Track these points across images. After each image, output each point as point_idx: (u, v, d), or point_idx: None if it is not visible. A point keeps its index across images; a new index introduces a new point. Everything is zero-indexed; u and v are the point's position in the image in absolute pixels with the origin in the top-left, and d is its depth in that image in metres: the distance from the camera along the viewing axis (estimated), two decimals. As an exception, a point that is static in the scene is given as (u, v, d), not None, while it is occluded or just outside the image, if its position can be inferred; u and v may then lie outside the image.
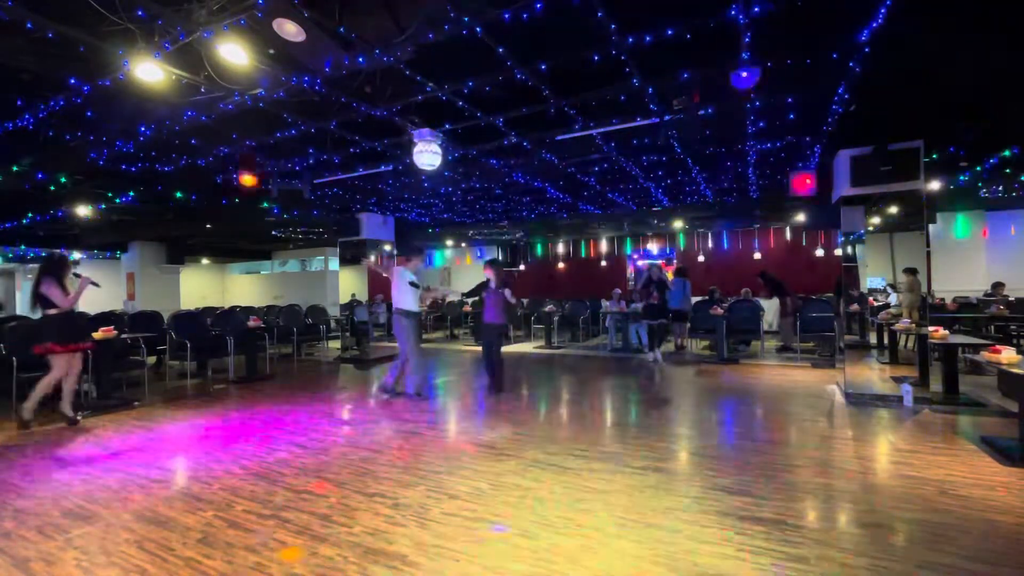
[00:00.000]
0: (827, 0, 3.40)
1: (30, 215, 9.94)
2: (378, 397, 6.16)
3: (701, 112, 5.14)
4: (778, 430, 4.50)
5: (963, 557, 2.37)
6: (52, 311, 5.13)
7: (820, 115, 5.37)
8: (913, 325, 6.51)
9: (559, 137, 6.03)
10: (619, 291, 10.71)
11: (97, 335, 5.70)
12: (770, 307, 10.40)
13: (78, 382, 5.34)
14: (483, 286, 6.21)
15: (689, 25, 3.63)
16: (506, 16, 3.44)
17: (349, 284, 14.92)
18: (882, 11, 3.40)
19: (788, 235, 13.78)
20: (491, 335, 6.13)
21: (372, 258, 9.86)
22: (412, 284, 5.95)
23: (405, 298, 5.91)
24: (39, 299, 5.14)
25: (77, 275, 5.58)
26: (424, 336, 12.60)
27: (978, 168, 7.16)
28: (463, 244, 17.13)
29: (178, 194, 8.44)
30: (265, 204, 9.33)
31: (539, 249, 17.54)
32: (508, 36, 3.78)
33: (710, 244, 14.86)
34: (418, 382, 6.00)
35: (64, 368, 5.11)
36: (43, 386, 5.03)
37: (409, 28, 3.60)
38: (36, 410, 5.07)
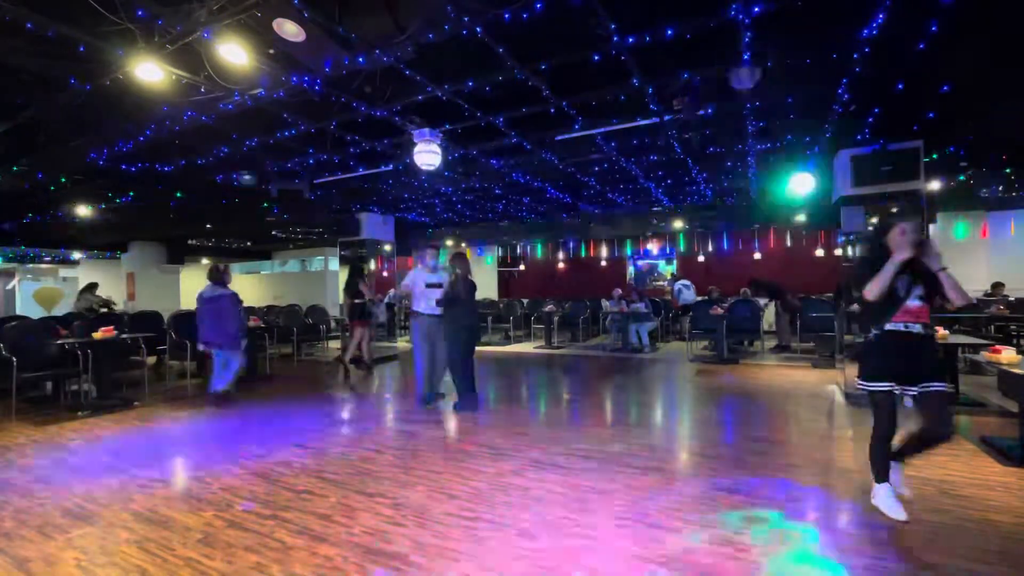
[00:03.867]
0: (827, 0, 3.40)
1: (30, 215, 9.95)
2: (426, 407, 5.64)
3: (701, 112, 5.14)
4: (778, 430, 4.50)
5: (963, 557, 2.37)
6: (358, 300, 7.74)
7: (820, 115, 5.37)
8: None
9: (559, 137, 6.03)
10: (619, 291, 10.72)
11: (97, 335, 5.72)
12: (770, 307, 10.41)
13: (360, 345, 7.94)
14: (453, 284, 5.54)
15: (689, 25, 3.63)
16: (506, 16, 3.44)
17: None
18: (882, 11, 3.40)
19: (788, 235, 13.77)
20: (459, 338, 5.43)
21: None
22: (429, 285, 5.53)
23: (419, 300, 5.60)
24: (355, 292, 7.75)
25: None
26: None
27: (983, 169, 7.17)
28: (463, 244, 17.13)
29: (178, 194, 8.44)
30: (265, 204, 9.33)
31: (539, 249, 17.53)
32: (508, 36, 3.78)
33: (710, 244, 14.86)
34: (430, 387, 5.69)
35: (361, 335, 7.87)
36: (353, 346, 7.87)
37: (409, 28, 3.59)
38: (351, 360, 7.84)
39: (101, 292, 10.28)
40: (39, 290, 15.15)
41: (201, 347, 5.90)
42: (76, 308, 9.60)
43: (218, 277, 5.98)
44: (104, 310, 9.40)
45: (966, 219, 10.75)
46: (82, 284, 16.60)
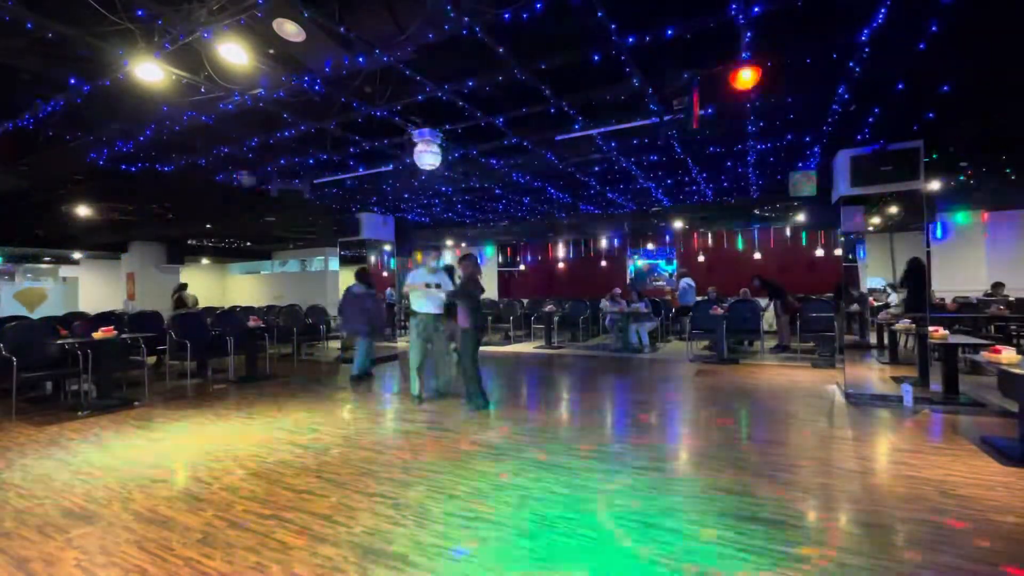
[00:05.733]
0: (827, 0, 3.40)
1: (30, 215, 9.95)
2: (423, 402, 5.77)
3: (701, 112, 5.13)
4: (778, 430, 4.50)
5: (963, 557, 2.37)
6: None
7: (820, 115, 5.37)
8: (913, 325, 6.51)
9: (559, 137, 6.03)
10: (617, 290, 10.71)
11: (97, 335, 5.72)
12: (770, 307, 10.42)
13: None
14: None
15: (689, 25, 3.63)
16: (506, 16, 3.44)
17: (349, 284, 14.86)
18: (882, 11, 3.40)
19: (788, 235, 13.78)
20: (465, 340, 5.46)
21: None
22: (428, 286, 5.69)
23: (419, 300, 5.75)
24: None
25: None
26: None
27: (983, 169, 7.17)
28: (463, 244, 17.13)
29: (178, 194, 8.44)
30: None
31: (539, 249, 17.54)
32: (508, 36, 3.78)
33: (710, 244, 14.87)
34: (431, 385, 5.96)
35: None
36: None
37: (409, 28, 3.59)
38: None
39: (101, 292, 10.40)
40: (21, 291, 15.06)
41: (345, 334, 7.51)
42: (191, 307, 10.36)
43: (368, 279, 7.45)
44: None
45: (966, 219, 10.75)
46: (82, 284, 16.67)
